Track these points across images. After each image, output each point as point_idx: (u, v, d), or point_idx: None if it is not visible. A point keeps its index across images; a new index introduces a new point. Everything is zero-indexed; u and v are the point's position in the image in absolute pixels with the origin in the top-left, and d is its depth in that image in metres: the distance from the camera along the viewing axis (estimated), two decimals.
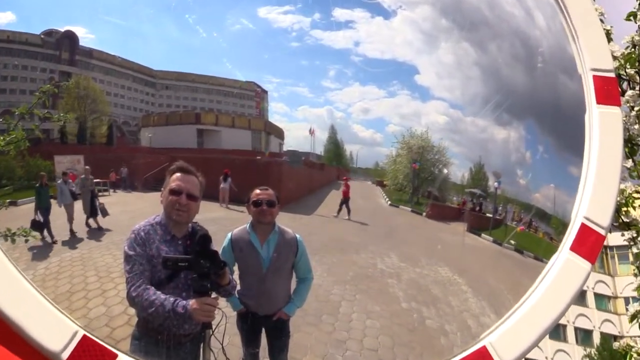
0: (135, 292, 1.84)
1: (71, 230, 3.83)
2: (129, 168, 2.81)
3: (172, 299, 1.81)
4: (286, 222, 2.55)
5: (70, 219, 3.82)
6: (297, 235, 2.51)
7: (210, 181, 2.45)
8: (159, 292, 1.84)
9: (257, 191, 2.40)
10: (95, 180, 2.89)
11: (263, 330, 2.51)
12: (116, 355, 1.69)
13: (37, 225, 3.96)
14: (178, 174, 2.02)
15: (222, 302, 2.22)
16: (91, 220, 3.26)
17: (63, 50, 2.52)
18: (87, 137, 2.74)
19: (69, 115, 2.53)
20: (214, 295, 1.91)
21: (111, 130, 2.72)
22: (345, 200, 5.23)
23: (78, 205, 2.99)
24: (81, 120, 2.66)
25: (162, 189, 2.10)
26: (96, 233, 2.85)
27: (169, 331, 1.87)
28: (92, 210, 4.29)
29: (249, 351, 2.47)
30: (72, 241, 2.88)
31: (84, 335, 1.64)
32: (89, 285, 2.64)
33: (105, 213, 3.99)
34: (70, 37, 2.49)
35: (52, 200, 2.91)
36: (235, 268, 2.46)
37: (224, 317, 1.96)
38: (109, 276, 2.68)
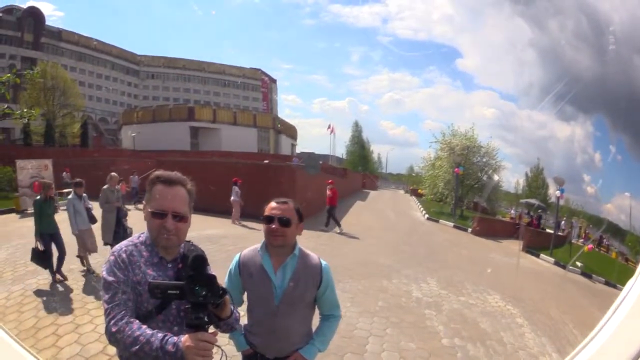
0: (115, 326, 1.46)
1: (88, 269, 3.18)
2: (139, 175, 2.38)
3: (160, 335, 1.44)
4: (300, 239, 2.12)
5: (85, 250, 3.18)
6: (323, 262, 2.04)
7: (204, 189, 2.02)
8: (144, 327, 1.47)
9: (272, 204, 1.97)
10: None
11: None
12: None
13: (40, 257, 3.15)
14: (159, 187, 1.62)
15: (223, 338, 1.82)
16: None
17: (26, 31, 2.14)
18: (56, 137, 2.34)
19: (34, 110, 2.19)
20: (212, 329, 1.53)
21: (86, 129, 2.36)
22: (331, 209, 4.69)
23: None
24: (49, 117, 2.29)
25: (144, 202, 1.68)
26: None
27: None
28: (118, 235, 3.51)
29: None
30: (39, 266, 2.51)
31: None
32: (60, 319, 2.33)
33: None
34: (35, 14, 2.12)
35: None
36: (245, 297, 2.04)
37: (224, 357, 1.57)
38: (84, 307, 2.42)
